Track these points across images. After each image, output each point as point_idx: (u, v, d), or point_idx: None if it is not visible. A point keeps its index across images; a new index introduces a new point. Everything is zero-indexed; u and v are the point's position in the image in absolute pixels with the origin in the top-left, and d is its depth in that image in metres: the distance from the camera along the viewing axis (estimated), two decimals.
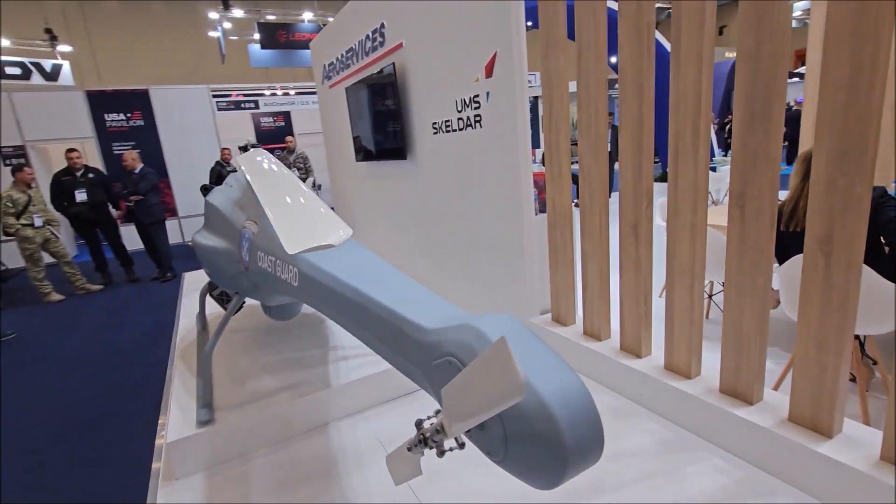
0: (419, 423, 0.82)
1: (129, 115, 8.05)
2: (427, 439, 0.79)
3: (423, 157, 3.15)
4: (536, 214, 2.42)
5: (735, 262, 1.50)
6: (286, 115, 9.95)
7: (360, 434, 1.93)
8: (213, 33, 14.28)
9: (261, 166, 1.60)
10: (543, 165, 2.25)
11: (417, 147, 3.18)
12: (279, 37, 12.88)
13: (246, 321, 2.93)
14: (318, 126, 5.79)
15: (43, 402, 3.08)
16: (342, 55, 4.21)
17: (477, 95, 2.44)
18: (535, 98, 9.18)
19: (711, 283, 3.20)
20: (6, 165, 5.35)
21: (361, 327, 1.09)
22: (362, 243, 1.41)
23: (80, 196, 5.68)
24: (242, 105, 9.45)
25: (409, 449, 0.83)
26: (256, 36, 12.55)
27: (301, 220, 1.22)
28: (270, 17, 14.47)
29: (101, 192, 5.85)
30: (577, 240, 2.17)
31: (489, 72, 2.31)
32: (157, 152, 8.18)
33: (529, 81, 2.24)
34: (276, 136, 9.46)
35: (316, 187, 9.48)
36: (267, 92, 9.76)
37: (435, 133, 2.91)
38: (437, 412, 0.80)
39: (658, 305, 1.84)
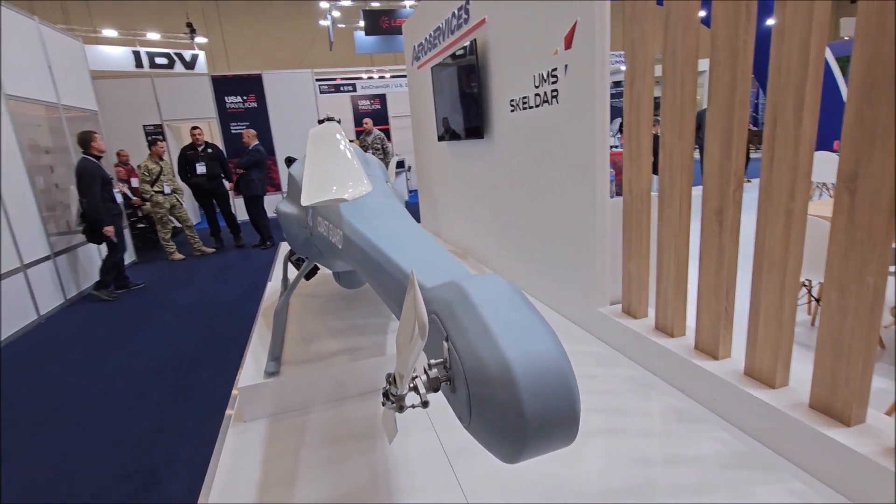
0: (387, 377, 0.82)
1: (245, 97, 8.88)
2: (387, 393, 0.79)
3: (499, 136, 3.09)
4: (612, 197, 2.26)
5: (839, 258, 1.27)
6: (382, 98, 10.32)
7: (407, 403, 1.96)
8: (323, 22, 15.23)
9: (320, 134, 1.67)
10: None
11: (494, 125, 3.12)
12: (382, 23, 13.35)
13: (321, 288, 3.12)
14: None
15: (154, 343, 3.56)
16: (430, 35, 4.23)
17: (555, 69, 2.32)
18: None
19: (819, 284, 2.77)
20: (150, 144, 6.20)
21: (382, 288, 1.10)
22: (433, 218, 1.42)
23: (200, 168, 6.41)
24: (342, 88, 9.97)
25: (382, 404, 0.83)
26: (362, 23, 13.15)
27: (327, 176, 1.27)
28: (375, 5, 15.05)
29: (216, 165, 6.55)
30: (654, 227, 1.99)
31: (568, 43, 2.17)
32: (266, 131, 8.94)
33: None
34: (373, 117, 9.86)
35: (407, 169, 9.76)
36: (365, 76, 10.18)
37: (512, 110, 2.83)
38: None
39: (742, 302, 1.63)
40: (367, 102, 10.17)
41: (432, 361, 0.81)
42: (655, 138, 1.94)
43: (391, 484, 1.49)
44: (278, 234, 6.88)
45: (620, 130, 7.45)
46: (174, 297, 4.77)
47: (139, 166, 6.11)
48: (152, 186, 6.07)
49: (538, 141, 2.59)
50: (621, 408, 1.75)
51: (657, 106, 1.83)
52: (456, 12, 3.49)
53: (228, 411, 2.10)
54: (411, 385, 0.78)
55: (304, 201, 1.08)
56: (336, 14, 14.49)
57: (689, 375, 1.78)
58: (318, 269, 3.07)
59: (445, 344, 0.78)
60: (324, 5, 14.53)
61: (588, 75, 2.07)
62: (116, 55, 13.16)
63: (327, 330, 2.43)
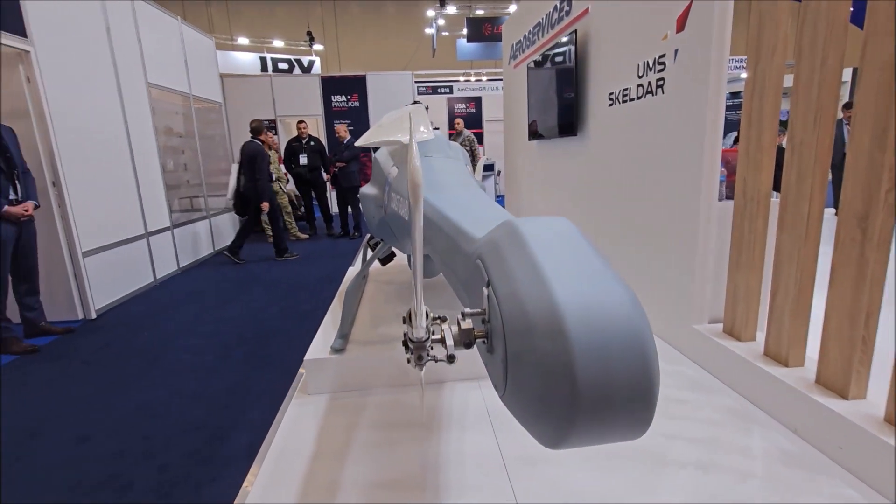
0: (404, 318, 0.73)
1: (349, 96, 9.40)
2: (406, 340, 0.68)
3: (593, 133, 2.89)
4: (721, 200, 1.98)
5: None
6: (477, 102, 10.36)
7: (470, 400, 1.86)
8: (428, 30, 15.77)
9: (399, 111, 1.67)
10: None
11: (589, 121, 2.93)
12: (484, 30, 13.48)
13: (399, 276, 3.13)
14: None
15: (243, 311, 3.82)
16: (529, 32, 4.13)
17: (663, 56, 2.10)
18: None
19: None
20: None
21: (437, 253, 1.01)
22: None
23: (302, 160, 6.86)
24: (439, 90, 10.16)
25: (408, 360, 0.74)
26: (465, 31, 13.38)
27: (392, 129, 1.23)
28: (479, 12, 15.25)
29: (317, 157, 6.97)
30: (771, 236, 1.70)
31: (681, 24, 1.95)
32: (364, 128, 9.40)
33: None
34: (467, 121, 9.95)
35: (496, 173, 9.69)
36: (461, 78, 10.29)
37: (610, 104, 2.62)
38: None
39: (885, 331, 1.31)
40: (463, 106, 10.27)
41: (467, 310, 0.69)
42: (780, 150, 1.64)
43: (440, 478, 1.40)
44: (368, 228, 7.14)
45: (735, 143, 6.74)
46: (266, 274, 5.14)
47: None
48: None
49: (637, 136, 2.37)
50: (716, 441, 1.50)
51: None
52: (558, 5, 3.35)
53: (295, 383, 2.16)
54: (436, 334, 0.67)
55: (360, 142, 1.04)
56: (441, 22, 14.91)
57: (805, 413, 1.48)
58: (395, 255, 3.09)
59: (485, 291, 0.66)
60: (430, 14, 15.03)
61: (703, 59, 1.83)
62: (246, 60, 14.76)
63: (395, 315, 2.41)
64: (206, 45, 6.73)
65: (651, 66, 2.20)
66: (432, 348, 0.70)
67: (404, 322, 0.72)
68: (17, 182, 3.07)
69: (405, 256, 3.00)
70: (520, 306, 0.57)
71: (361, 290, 3.01)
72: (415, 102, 2.33)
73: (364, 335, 2.20)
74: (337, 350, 2.01)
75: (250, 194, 5.63)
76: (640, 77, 2.30)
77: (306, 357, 1.98)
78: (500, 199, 8.76)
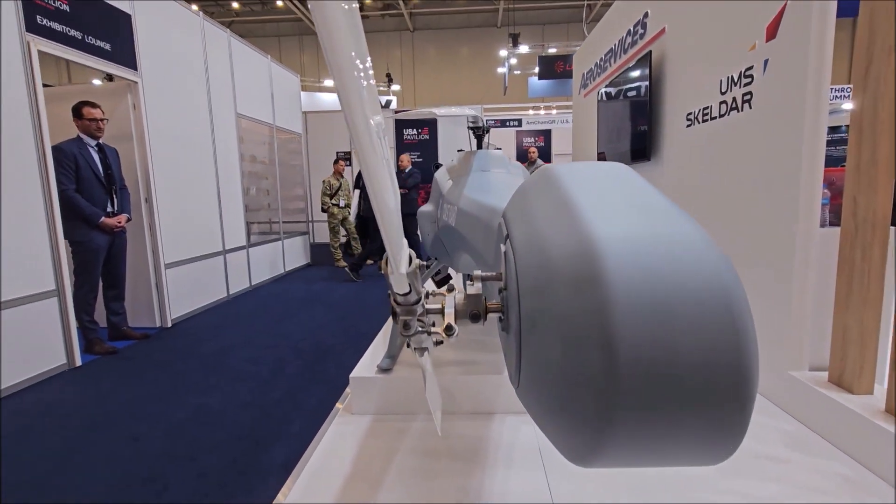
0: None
1: (419, 130, 9.71)
2: (392, 304, 0.54)
3: (669, 156, 2.69)
4: (823, 226, 1.72)
5: None
6: (547, 134, 10.29)
7: (521, 435, 1.70)
8: (500, 69, 16.16)
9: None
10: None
11: (664, 145, 2.73)
12: (556, 67, 13.55)
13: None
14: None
15: (302, 327, 3.89)
16: (600, 59, 4.04)
17: (750, 68, 1.91)
18: None
19: None
20: (334, 162, 7.16)
21: (475, 237, 0.90)
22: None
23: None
24: (508, 123, 10.22)
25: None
26: (536, 69, 13.54)
27: None
28: (552, 50, 15.41)
29: None
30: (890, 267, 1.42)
31: (772, 32, 1.76)
32: (433, 159, 9.63)
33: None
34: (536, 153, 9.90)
35: None
36: (531, 111, 10.30)
37: (688, 125, 2.43)
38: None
39: None
40: (532, 139, 10.23)
41: (479, 272, 0.56)
42: None
43: None
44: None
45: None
46: (329, 294, 5.26)
47: (323, 181, 7.04)
48: (331, 199, 6.91)
49: (720, 157, 2.16)
50: None
51: None
52: (632, 29, 3.25)
53: (340, 402, 2.10)
54: (433, 305, 0.54)
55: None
56: (513, 62, 15.22)
57: None
58: (451, 278, 3.01)
59: (502, 248, 0.53)
60: (503, 53, 15.42)
61: (799, 65, 1.63)
62: (331, 100, 15.91)
63: (448, 340, 2.31)
64: (292, 81, 7.28)
65: (736, 80, 2.01)
66: (426, 318, 0.57)
67: (380, 270, 0.56)
68: (114, 196, 3.39)
69: (461, 278, 2.91)
70: (537, 249, 0.42)
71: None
72: (473, 122, 2.26)
73: (412, 357, 2.10)
74: (383, 370, 1.94)
75: (370, 216, 6.03)
76: (722, 93, 2.11)
77: (352, 375, 1.92)
78: None
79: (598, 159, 3.86)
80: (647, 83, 2.81)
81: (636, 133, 3.04)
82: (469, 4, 15.83)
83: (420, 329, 0.55)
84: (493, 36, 17.24)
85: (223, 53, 5.24)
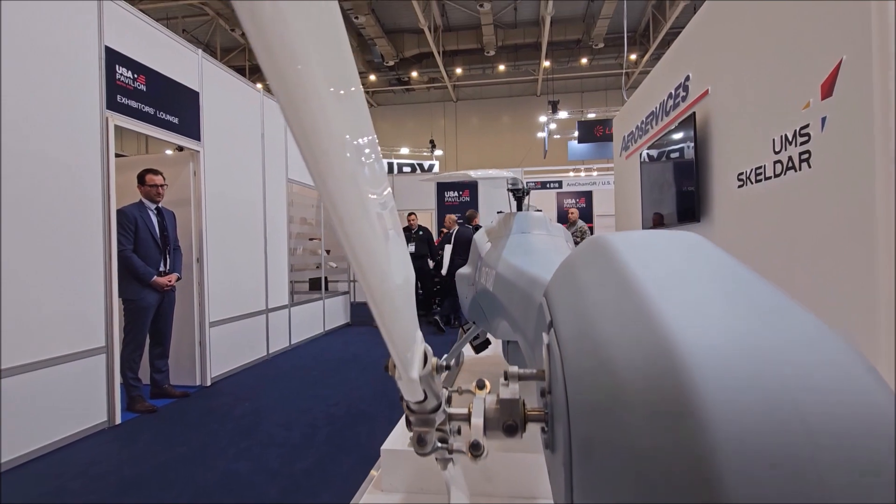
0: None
1: (460, 192, 9.93)
2: (406, 410, 0.46)
3: (720, 217, 2.56)
4: None
5: None
6: (588, 196, 10.24)
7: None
8: (540, 134, 16.61)
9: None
10: None
11: (715, 205, 2.61)
12: (596, 132, 13.74)
13: (495, 367, 2.89)
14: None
15: (336, 393, 3.80)
16: (641, 122, 4.04)
17: (805, 126, 1.82)
18: None
19: None
20: None
21: (513, 308, 0.81)
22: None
23: (410, 248, 7.20)
24: (548, 185, 10.29)
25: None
26: (576, 133, 13.81)
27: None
28: (591, 116, 15.75)
29: (424, 245, 7.27)
30: None
31: (827, 90, 1.68)
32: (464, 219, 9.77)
33: None
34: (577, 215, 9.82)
35: None
36: (571, 172, 10.34)
37: (740, 185, 2.32)
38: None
39: None
40: (573, 200, 10.21)
41: (514, 369, 0.46)
42: None
43: None
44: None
45: None
46: (367, 355, 5.20)
47: None
48: None
49: (779, 218, 2.02)
50: None
51: None
52: (673, 92, 3.24)
53: (373, 472, 1.98)
54: (457, 410, 0.44)
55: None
56: (553, 126, 15.63)
57: None
58: (489, 343, 2.88)
59: (545, 337, 0.45)
60: (543, 119, 15.90)
61: (863, 122, 1.53)
62: None
63: None
64: None
65: (790, 139, 1.91)
66: (450, 425, 0.47)
67: (386, 370, 0.47)
68: (167, 256, 3.57)
69: (500, 345, 2.78)
70: (593, 352, 0.33)
71: (453, 380, 2.81)
72: (513, 184, 2.23)
73: None
74: None
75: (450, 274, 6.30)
76: (776, 153, 2.01)
77: (384, 447, 1.80)
78: None
79: (647, 212, 3.73)
80: (692, 143, 2.75)
81: (683, 193, 2.93)
82: (509, 76, 16.63)
83: (440, 445, 0.46)
84: (532, 103, 17.88)
85: (279, 125, 5.64)
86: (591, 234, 9.84)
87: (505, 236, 1.62)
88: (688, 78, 3.00)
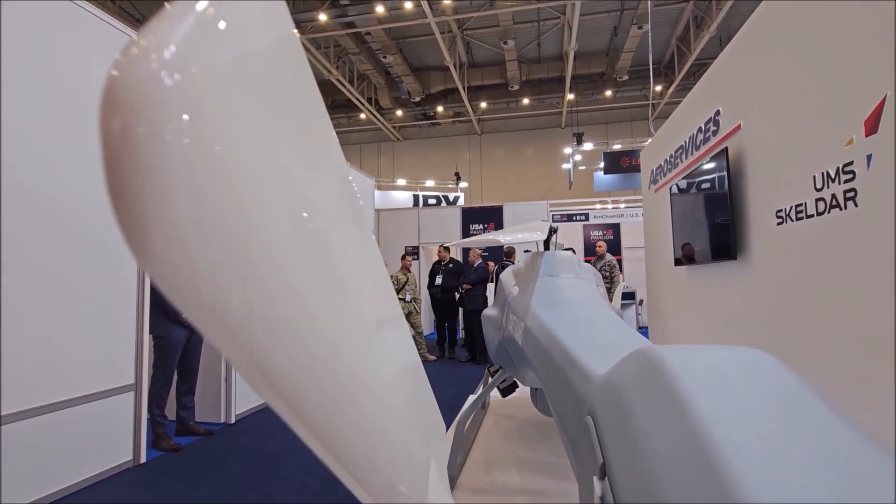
0: None
1: (485, 224, 9.91)
2: None
3: (758, 255, 2.44)
4: None
5: None
6: (615, 228, 10.08)
7: None
8: (565, 165, 16.61)
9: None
10: None
11: (752, 243, 2.50)
12: (622, 163, 13.66)
13: (521, 410, 2.79)
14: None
15: None
16: (670, 156, 3.96)
17: (849, 164, 1.72)
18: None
19: None
20: (402, 258, 7.39)
21: (546, 387, 0.76)
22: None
23: (438, 280, 7.17)
24: (574, 217, 10.18)
25: None
26: (601, 164, 13.75)
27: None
28: (617, 147, 15.69)
29: (453, 278, 7.22)
30: None
31: (871, 127, 1.60)
32: (498, 255, 9.64)
33: None
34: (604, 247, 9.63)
35: (638, 302, 8.93)
36: (598, 205, 10.22)
37: (780, 223, 2.21)
38: None
39: None
40: (600, 233, 10.06)
41: None
42: None
43: None
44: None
45: None
46: None
47: (391, 276, 7.24)
48: (398, 293, 7.04)
49: (823, 258, 1.90)
50: None
51: None
52: (703, 126, 3.18)
53: None
54: None
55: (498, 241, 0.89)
56: (578, 158, 15.62)
57: None
58: (517, 386, 2.78)
59: (597, 486, 0.39)
60: (567, 150, 15.93)
61: None
62: (402, 198, 17.04)
63: (513, 460, 2.05)
64: (368, 184, 7.87)
65: (833, 176, 1.82)
66: None
67: None
68: None
69: (528, 389, 2.68)
70: None
71: (478, 423, 2.71)
72: (553, 229, 2.24)
73: (474, 480, 1.88)
74: None
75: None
76: (818, 190, 1.92)
77: None
78: (642, 330, 7.90)
79: (678, 248, 3.59)
80: (725, 178, 2.66)
81: (718, 230, 2.82)
82: (534, 109, 16.82)
83: None
84: (557, 135, 17.96)
85: None
86: (620, 267, 9.62)
87: (532, 279, 1.57)
88: (718, 112, 2.94)
